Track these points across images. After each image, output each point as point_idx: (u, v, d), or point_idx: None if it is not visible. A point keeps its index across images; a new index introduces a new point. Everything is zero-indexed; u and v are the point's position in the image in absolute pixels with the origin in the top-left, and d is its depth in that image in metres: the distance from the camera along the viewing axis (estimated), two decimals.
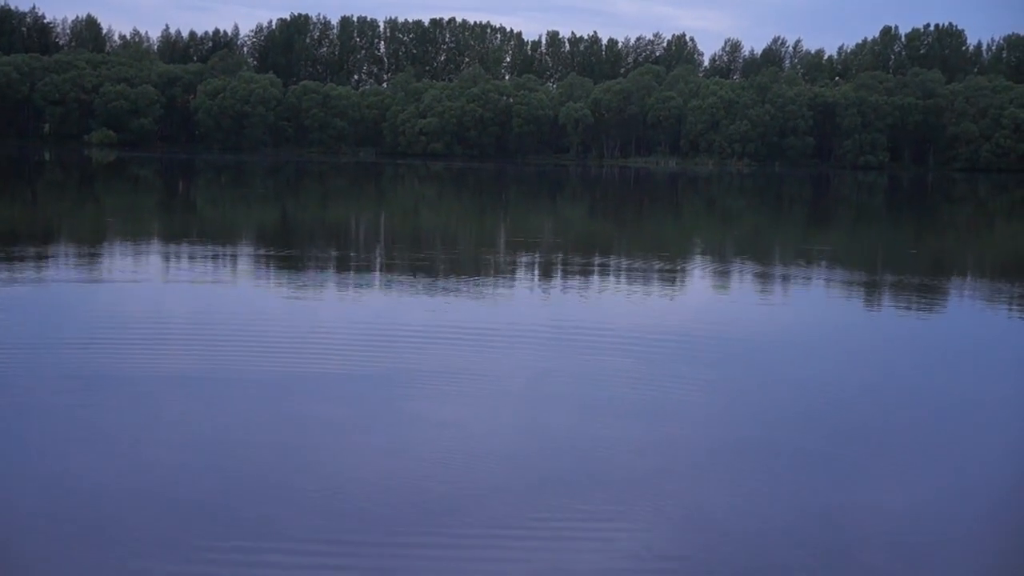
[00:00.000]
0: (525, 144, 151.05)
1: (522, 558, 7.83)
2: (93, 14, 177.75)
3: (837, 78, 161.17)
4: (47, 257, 25.16)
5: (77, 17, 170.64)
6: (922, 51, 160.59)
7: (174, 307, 18.24)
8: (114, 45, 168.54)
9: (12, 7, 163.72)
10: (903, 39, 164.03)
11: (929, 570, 7.97)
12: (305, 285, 21.42)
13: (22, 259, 24.37)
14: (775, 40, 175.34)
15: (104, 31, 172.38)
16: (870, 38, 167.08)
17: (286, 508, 8.51)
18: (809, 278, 25.61)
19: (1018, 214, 63.33)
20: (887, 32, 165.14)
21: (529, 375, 13.41)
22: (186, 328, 15.99)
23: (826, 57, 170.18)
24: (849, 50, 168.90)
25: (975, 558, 8.26)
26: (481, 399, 12.20)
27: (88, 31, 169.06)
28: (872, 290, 23.85)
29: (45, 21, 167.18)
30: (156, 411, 11.15)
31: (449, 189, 73.94)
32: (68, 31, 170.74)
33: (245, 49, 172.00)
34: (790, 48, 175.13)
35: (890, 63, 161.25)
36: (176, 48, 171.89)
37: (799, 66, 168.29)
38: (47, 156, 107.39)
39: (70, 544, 7.77)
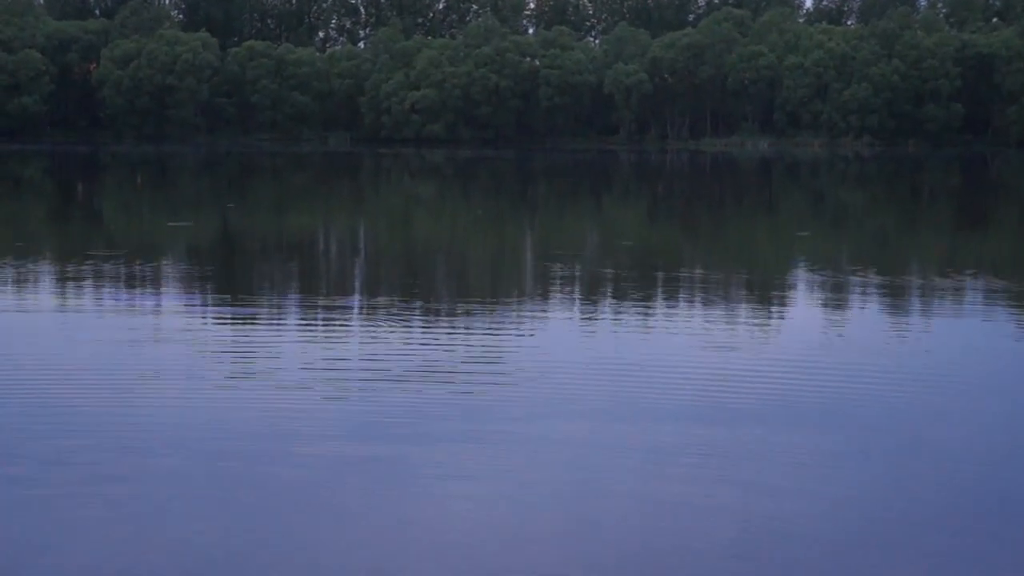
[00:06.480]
0: (558, 123, 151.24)
1: None
2: None
3: (995, 19, 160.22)
4: None
5: None
6: None
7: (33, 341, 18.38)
8: None
9: None
10: None
11: None
12: (283, 316, 21.58)
13: None
14: None
15: None
16: None
17: None
18: (960, 302, 25.53)
19: None
20: None
21: (585, 426, 13.43)
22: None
23: None
24: None
25: None
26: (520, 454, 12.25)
27: None
28: None
29: None
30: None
31: (453, 187, 74.11)
32: None
33: None
34: None
35: None
36: (71, 0, 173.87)
37: (941, 6, 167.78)
38: None
39: None
